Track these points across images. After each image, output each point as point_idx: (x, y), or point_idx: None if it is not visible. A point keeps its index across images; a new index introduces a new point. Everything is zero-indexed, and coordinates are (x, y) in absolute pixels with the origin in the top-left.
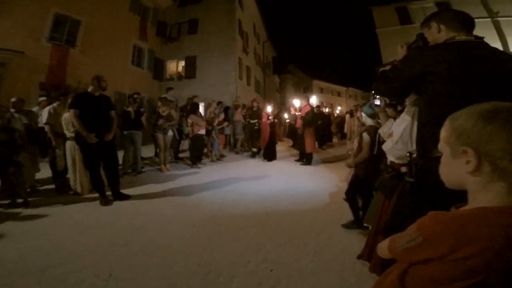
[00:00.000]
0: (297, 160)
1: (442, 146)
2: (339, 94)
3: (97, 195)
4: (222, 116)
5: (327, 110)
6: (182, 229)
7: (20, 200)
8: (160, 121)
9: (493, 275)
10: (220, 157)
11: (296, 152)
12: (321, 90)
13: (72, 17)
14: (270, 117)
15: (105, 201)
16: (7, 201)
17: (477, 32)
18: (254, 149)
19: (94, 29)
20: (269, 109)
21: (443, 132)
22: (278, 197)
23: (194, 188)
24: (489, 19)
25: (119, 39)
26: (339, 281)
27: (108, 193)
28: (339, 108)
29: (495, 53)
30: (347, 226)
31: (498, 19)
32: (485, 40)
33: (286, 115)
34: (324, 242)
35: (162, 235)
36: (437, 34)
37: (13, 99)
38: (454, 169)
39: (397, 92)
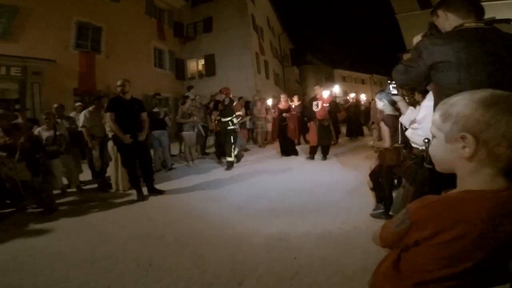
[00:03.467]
0: (309, 158)
1: (435, 131)
2: (363, 82)
3: (135, 191)
4: (243, 111)
5: (350, 97)
6: (211, 221)
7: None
8: (180, 120)
9: (479, 261)
10: (244, 151)
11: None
12: (344, 79)
13: (93, 24)
14: (273, 111)
15: (142, 197)
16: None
17: (505, 14)
18: (230, 158)
19: (115, 34)
20: (269, 102)
21: (437, 118)
22: (302, 188)
23: (221, 182)
24: None
25: (139, 43)
26: (362, 268)
27: (144, 188)
28: (362, 96)
29: (506, 39)
30: (377, 215)
31: None
32: None
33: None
34: (348, 230)
35: (193, 226)
36: (446, 22)
37: (55, 105)
38: (447, 153)
39: (414, 83)
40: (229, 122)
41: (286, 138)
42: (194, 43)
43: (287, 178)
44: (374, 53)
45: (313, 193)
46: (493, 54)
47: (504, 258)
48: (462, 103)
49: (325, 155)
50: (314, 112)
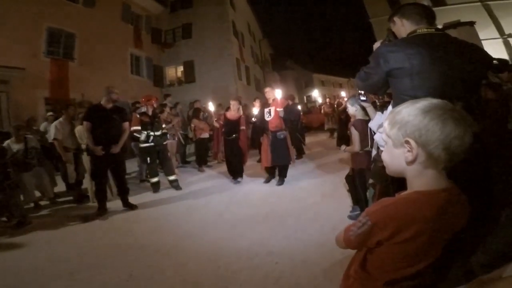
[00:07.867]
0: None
1: (385, 137)
2: (341, 86)
3: (113, 202)
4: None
5: (328, 99)
6: (192, 230)
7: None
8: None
9: (437, 257)
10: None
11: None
12: (322, 83)
13: (65, 30)
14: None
15: (103, 212)
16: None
17: (470, 17)
18: (175, 176)
19: (89, 41)
20: (211, 107)
21: (385, 125)
22: (282, 194)
23: (202, 190)
24: (479, 3)
25: (115, 50)
26: (341, 270)
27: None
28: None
29: (455, 44)
30: (354, 217)
31: (488, 3)
32: (478, 24)
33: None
34: (327, 233)
35: (174, 236)
36: (401, 28)
37: (26, 118)
38: (395, 158)
39: (374, 89)
40: (163, 135)
41: (234, 156)
42: (173, 50)
43: (267, 185)
44: (351, 57)
45: (292, 198)
46: (444, 59)
47: (458, 253)
48: (405, 111)
49: (282, 178)
50: (267, 122)
